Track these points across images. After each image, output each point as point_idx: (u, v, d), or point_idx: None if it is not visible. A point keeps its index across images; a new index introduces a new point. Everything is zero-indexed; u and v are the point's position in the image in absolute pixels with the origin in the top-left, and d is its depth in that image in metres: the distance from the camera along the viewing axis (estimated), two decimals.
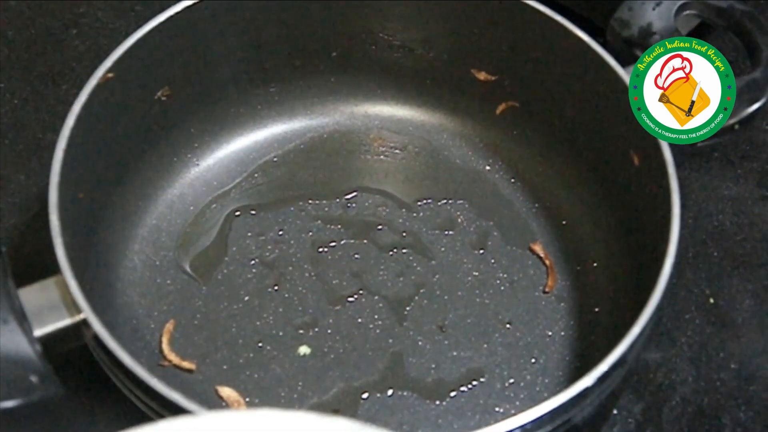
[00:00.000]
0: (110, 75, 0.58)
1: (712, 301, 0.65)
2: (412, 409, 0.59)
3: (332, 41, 0.68)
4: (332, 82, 0.70)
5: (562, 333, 0.62)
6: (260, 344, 0.61)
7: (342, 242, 0.65)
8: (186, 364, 0.59)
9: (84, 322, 0.49)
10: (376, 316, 0.62)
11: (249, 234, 0.65)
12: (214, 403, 0.58)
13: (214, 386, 0.59)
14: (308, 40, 0.68)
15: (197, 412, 0.47)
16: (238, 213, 0.66)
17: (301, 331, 0.62)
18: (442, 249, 0.65)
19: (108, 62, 0.58)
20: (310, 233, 0.65)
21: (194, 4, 0.61)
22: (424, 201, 0.67)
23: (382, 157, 0.69)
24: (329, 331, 0.62)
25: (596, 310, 0.63)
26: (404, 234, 0.66)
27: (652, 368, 0.63)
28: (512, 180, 0.68)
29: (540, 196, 0.67)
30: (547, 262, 0.65)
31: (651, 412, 0.61)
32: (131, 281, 0.62)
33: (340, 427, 0.37)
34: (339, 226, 0.66)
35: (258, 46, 0.66)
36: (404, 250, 0.65)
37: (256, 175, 0.68)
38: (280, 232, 0.65)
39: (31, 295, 0.50)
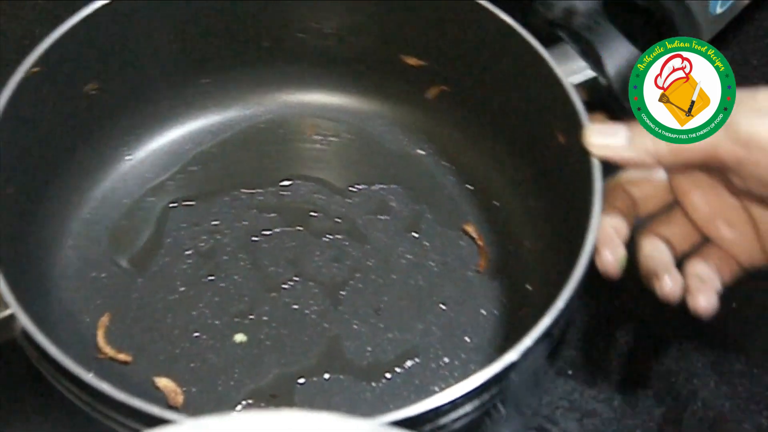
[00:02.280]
0: (36, 69, 0.58)
1: (734, 305, 0.63)
2: (348, 391, 0.60)
3: (263, 31, 0.68)
4: (264, 71, 0.70)
5: (495, 311, 0.63)
6: (196, 334, 0.61)
7: (277, 230, 0.66)
8: (122, 357, 0.60)
9: (12, 317, 0.49)
10: (311, 302, 0.63)
11: (184, 225, 0.65)
12: (151, 394, 0.59)
13: (150, 377, 0.59)
14: (239, 31, 0.68)
15: (131, 403, 0.47)
16: (173, 204, 0.66)
17: (236, 319, 0.62)
18: (376, 233, 0.66)
19: (33, 56, 0.58)
20: (245, 222, 0.66)
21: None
22: (358, 186, 0.68)
23: (316, 144, 0.70)
24: (265, 318, 0.62)
25: (528, 287, 0.64)
26: (338, 220, 0.66)
27: (674, 373, 0.62)
28: (444, 163, 0.69)
29: (471, 178, 0.68)
30: (480, 242, 0.66)
31: (671, 417, 0.61)
32: (65, 276, 0.62)
33: (361, 428, 0.38)
34: (274, 214, 0.66)
35: (188, 38, 0.67)
36: (339, 236, 0.66)
37: (190, 166, 0.68)
38: (215, 222, 0.66)
39: None
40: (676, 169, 0.55)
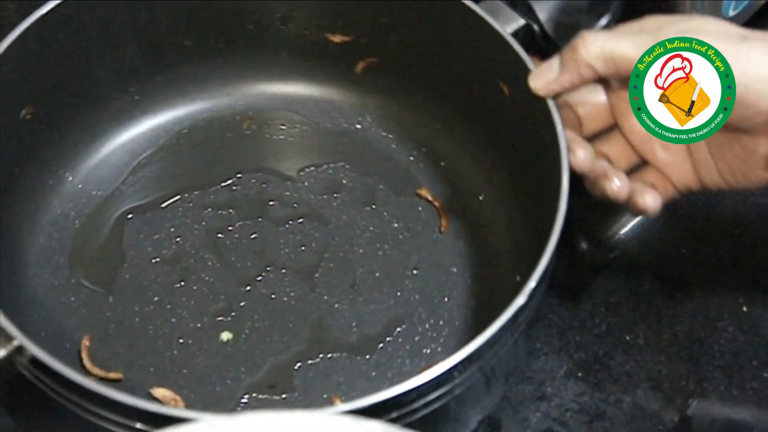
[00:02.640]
0: None
1: (744, 309, 0.64)
2: (344, 368, 0.60)
3: (185, 31, 0.68)
4: (190, 72, 0.69)
5: (466, 267, 0.65)
6: (181, 340, 0.61)
7: (237, 224, 0.66)
8: (112, 375, 0.59)
9: (18, 350, 0.48)
10: (287, 289, 0.63)
11: (142, 235, 0.65)
12: None
13: (146, 390, 0.58)
14: (160, 35, 0.67)
15: (151, 408, 0.47)
16: (129, 215, 0.65)
17: (218, 319, 0.62)
18: (335, 212, 0.66)
19: None
20: (204, 223, 0.65)
21: (47, 13, 0.59)
22: (306, 170, 0.68)
23: (254, 136, 0.70)
24: (245, 312, 0.62)
25: (491, 239, 0.65)
26: (295, 205, 0.67)
27: (684, 376, 0.62)
28: (384, 134, 0.70)
29: (415, 143, 0.69)
30: (436, 203, 0.67)
31: (682, 421, 0.61)
32: (34, 307, 0.61)
33: (372, 428, 0.38)
34: (230, 210, 0.66)
35: (113, 49, 0.65)
36: (300, 220, 0.66)
37: (132, 177, 0.67)
38: (173, 228, 0.65)
39: None
40: (612, 80, 0.57)
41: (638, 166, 0.60)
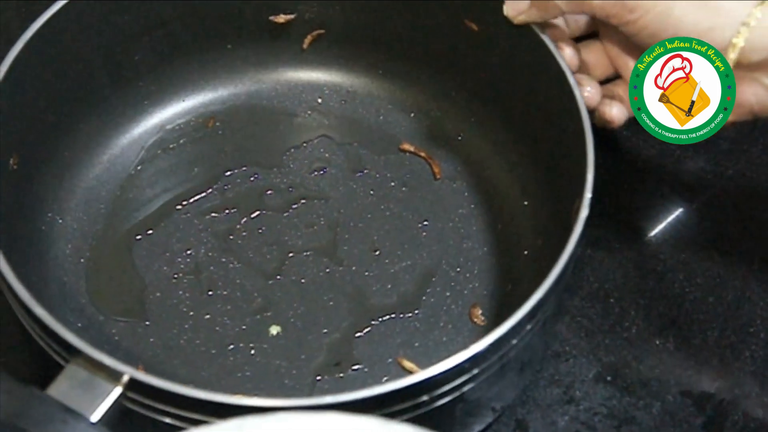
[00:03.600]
0: None
1: None
2: (397, 329, 0.61)
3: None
4: (140, 85, 0.68)
5: (472, 206, 0.66)
6: (231, 346, 0.60)
7: (242, 222, 0.65)
8: None
9: (130, 383, 0.47)
10: (315, 270, 0.63)
11: (152, 257, 0.63)
12: None
13: None
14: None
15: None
16: (138, 237, 0.63)
17: (258, 317, 0.62)
18: (330, 186, 0.67)
19: None
20: (209, 229, 0.65)
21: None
22: (287, 153, 0.68)
23: (223, 133, 0.69)
24: (283, 303, 0.62)
25: (486, 173, 0.67)
26: (290, 189, 0.67)
27: (715, 382, 0.62)
28: (345, 101, 0.71)
29: (379, 103, 0.70)
30: (422, 153, 0.68)
31: (713, 427, 0.60)
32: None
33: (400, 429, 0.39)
34: (229, 210, 0.66)
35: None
36: (302, 202, 0.66)
37: (114, 206, 0.65)
38: (180, 242, 0.64)
39: (61, 389, 0.47)
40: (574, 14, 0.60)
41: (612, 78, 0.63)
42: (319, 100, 0.71)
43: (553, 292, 0.52)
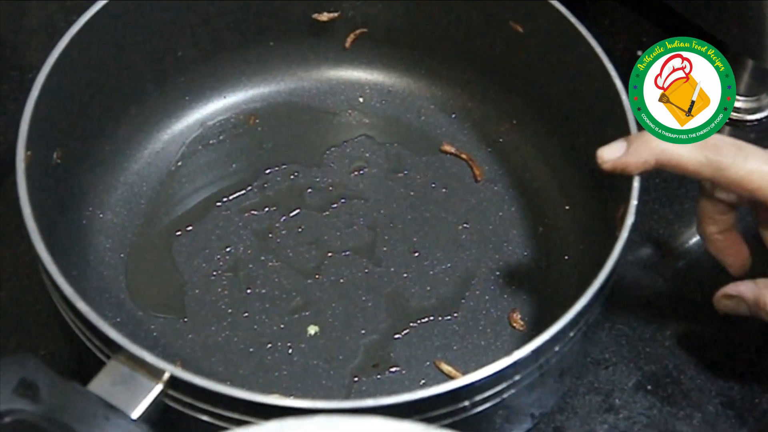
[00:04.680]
0: (29, 153, 0.54)
1: None
2: (436, 331, 0.61)
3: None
4: (181, 81, 0.68)
5: (512, 209, 0.66)
6: (269, 345, 0.60)
7: (282, 220, 0.65)
8: None
9: (171, 381, 0.47)
10: (353, 270, 0.63)
11: (191, 253, 0.63)
12: None
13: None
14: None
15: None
16: (178, 233, 0.63)
17: (296, 316, 0.61)
18: (370, 186, 0.67)
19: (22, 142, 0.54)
20: (248, 227, 0.65)
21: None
22: (327, 152, 0.68)
23: (263, 131, 0.69)
24: (322, 302, 0.62)
25: (527, 176, 0.67)
26: (330, 188, 0.66)
27: (757, 393, 0.61)
28: (386, 100, 0.71)
29: (420, 103, 0.70)
30: (463, 155, 0.68)
31: None
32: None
33: None
34: (268, 209, 0.65)
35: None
36: (342, 201, 0.66)
37: (154, 203, 0.65)
38: (220, 239, 0.64)
39: (103, 385, 0.47)
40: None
41: None
42: (360, 99, 0.70)
43: (597, 299, 0.51)
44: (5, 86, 0.72)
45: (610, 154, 0.54)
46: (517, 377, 0.49)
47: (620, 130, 0.56)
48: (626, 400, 0.61)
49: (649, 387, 0.61)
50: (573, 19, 0.61)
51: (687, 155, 0.52)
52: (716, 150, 0.52)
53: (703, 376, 0.62)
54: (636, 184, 0.54)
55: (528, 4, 0.62)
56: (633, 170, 0.54)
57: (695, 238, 0.67)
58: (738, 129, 0.72)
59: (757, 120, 0.72)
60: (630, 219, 0.52)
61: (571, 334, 0.51)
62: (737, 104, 0.72)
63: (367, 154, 0.68)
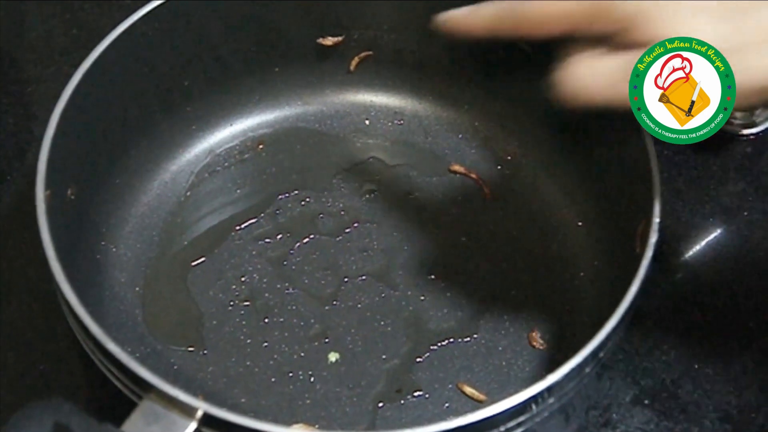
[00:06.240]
0: (48, 192, 0.54)
1: None
2: (457, 354, 0.61)
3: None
4: (188, 110, 0.68)
5: (524, 227, 0.66)
6: (291, 374, 0.60)
7: (296, 247, 0.65)
8: None
9: (204, 418, 0.47)
10: (371, 295, 0.63)
11: (206, 283, 0.63)
12: None
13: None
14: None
15: None
16: (192, 264, 0.63)
17: (315, 344, 0.61)
18: (382, 209, 0.67)
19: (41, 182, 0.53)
20: (262, 255, 0.64)
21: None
22: (337, 176, 0.68)
23: (270, 157, 0.69)
24: (341, 329, 0.62)
25: (538, 192, 0.67)
26: (342, 213, 0.66)
27: (754, 407, 0.61)
28: (392, 122, 0.71)
29: (427, 123, 0.70)
30: (473, 175, 0.68)
31: None
32: None
33: None
34: (280, 236, 0.65)
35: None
36: (354, 225, 0.66)
37: (165, 234, 0.65)
38: (234, 268, 0.64)
39: (137, 425, 0.47)
40: None
41: None
42: (367, 122, 0.70)
43: (624, 319, 0.51)
44: (4, 100, 0.72)
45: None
46: (551, 400, 0.49)
47: (638, 147, 0.56)
48: (623, 414, 0.61)
49: (646, 401, 0.61)
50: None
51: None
52: None
53: (701, 390, 0.62)
54: (658, 200, 0.54)
55: None
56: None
57: (692, 251, 0.68)
58: (733, 143, 0.72)
59: (752, 135, 0.72)
60: (654, 237, 0.53)
61: (601, 354, 0.51)
62: (732, 119, 0.72)
63: (377, 177, 0.68)
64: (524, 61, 0.65)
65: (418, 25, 0.67)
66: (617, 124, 0.59)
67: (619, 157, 0.58)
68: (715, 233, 0.69)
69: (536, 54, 0.63)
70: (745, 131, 0.73)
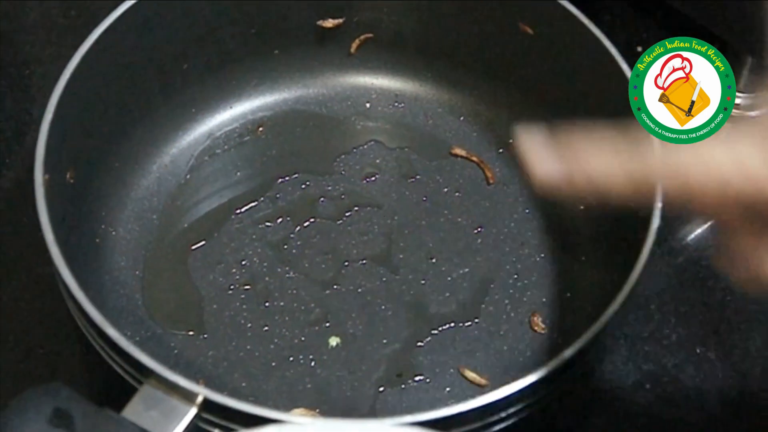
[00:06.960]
0: (47, 176, 0.53)
1: None
2: (458, 338, 0.61)
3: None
4: (188, 93, 0.67)
5: (527, 211, 0.66)
6: (291, 358, 0.60)
7: (296, 230, 0.64)
8: None
9: (204, 404, 0.46)
10: (372, 278, 0.63)
11: (207, 267, 0.63)
12: None
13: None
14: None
15: None
16: (192, 247, 0.63)
17: (316, 328, 0.61)
18: (383, 193, 0.66)
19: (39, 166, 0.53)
20: (262, 239, 0.64)
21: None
22: (338, 159, 0.68)
23: (270, 140, 0.68)
24: (341, 313, 0.61)
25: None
26: (343, 197, 0.66)
27: (756, 392, 0.61)
28: (393, 105, 0.70)
29: (427, 106, 0.70)
30: (474, 158, 0.68)
31: None
32: None
33: None
34: (281, 220, 0.65)
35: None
36: (355, 209, 0.65)
37: (165, 215, 0.65)
38: (234, 252, 0.63)
39: (137, 410, 0.46)
40: None
41: None
42: (367, 105, 0.70)
43: (626, 303, 0.51)
44: (3, 82, 0.71)
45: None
46: (553, 385, 0.49)
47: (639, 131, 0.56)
48: (625, 398, 0.60)
49: (648, 386, 0.61)
50: (585, 20, 0.60)
51: None
52: None
53: (702, 374, 0.61)
54: (660, 185, 0.54)
55: (538, 4, 0.62)
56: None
57: (693, 234, 0.67)
58: (737, 125, 0.72)
59: (756, 116, 0.72)
60: (656, 223, 0.52)
61: (602, 339, 0.51)
62: (736, 101, 0.72)
63: (378, 160, 0.68)
64: (527, 43, 0.64)
65: (419, 7, 0.67)
66: (611, 107, 0.58)
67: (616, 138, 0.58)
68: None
69: (539, 36, 0.63)
70: (749, 113, 0.72)
